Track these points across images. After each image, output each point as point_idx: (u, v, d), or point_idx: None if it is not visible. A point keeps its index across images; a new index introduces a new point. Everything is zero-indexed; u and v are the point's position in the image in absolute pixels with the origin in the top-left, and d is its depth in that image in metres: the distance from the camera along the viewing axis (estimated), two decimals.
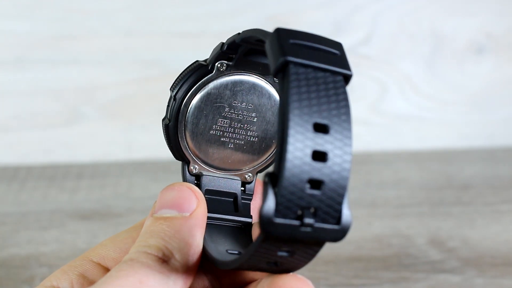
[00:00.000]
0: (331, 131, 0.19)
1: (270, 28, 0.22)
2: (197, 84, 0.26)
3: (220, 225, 0.26)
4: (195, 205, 0.24)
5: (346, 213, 0.20)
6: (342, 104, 0.20)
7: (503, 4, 0.63)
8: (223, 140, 0.27)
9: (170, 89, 0.26)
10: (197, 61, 0.26)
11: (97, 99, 0.60)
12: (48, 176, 0.57)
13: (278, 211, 0.19)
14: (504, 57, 0.65)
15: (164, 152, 0.69)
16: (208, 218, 0.25)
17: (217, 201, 0.27)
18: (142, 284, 0.21)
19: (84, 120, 0.60)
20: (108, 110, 0.60)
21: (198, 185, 0.27)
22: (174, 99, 0.26)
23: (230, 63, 0.26)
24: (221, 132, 0.27)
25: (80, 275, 0.25)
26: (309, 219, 0.19)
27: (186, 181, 0.27)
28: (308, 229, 0.19)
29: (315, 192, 0.19)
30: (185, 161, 0.27)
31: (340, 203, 0.20)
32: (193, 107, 0.26)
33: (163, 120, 0.26)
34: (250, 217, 0.27)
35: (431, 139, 0.65)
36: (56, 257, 0.43)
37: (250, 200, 0.28)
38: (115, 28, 0.59)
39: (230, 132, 0.27)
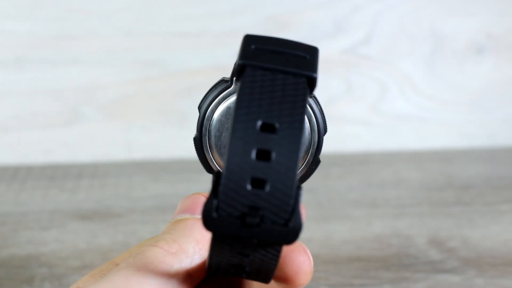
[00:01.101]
0: (279, 131, 0.19)
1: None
2: (218, 98, 0.26)
3: None
4: None
5: (297, 215, 0.19)
6: (297, 105, 0.19)
7: (503, 4, 0.63)
8: None
9: (198, 106, 0.26)
10: (222, 79, 0.26)
11: (97, 99, 0.60)
12: (48, 176, 0.57)
13: (218, 208, 0.19)
14: (504, 57, 0.65)
15: (164, 152, 0.69)
16: None
17: None
18: (140, 272, 0.22)
19: (84, 120, 0.60)
20: (108, 110, 0.60)
21: None
22: (199, 113, 0.26)
23: None
24: None
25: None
26: (252, 218, 0.19)
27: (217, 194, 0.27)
28: (253, 229, 0.19)
29: (259, 191, 0.19)
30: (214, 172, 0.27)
31: (287, 204, 0.19)
32: (214, 120, 0.26)
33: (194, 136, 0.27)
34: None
35: (431, 139, 0.65)
36: (56, 257, 0.43)
37: None
38: (115, 28, 0.59)
39: None
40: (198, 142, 0.26)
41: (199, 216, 0.24)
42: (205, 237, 0.23)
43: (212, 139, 0.26)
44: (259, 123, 0.19)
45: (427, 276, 0.42)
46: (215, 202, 0.19)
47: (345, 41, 0.62)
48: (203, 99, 0.26)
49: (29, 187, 0.55)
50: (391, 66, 0.63)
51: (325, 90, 0.62)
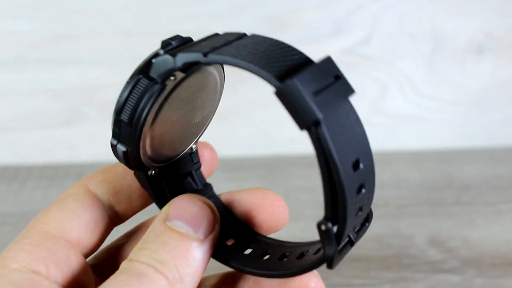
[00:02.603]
0: (362, 167, 0.22)
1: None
2: (153, 106, 0.23)
3: None
4: (212, 228, 0.23)
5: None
6: (360, 132, 0.23)
7: (503, 4, 0.63)
8: (172, 132, 0.26)
9: (118, 113, 0.23)
10: (137, 79, 0.24)
11: (97, 99, 0.60)
12: (48, 176, 0.57)
13: (337, 253, 0.22)
14: (504, 57, 0.65)
15: None
16: None
17: (182, 189, 0.27)
18: None
19: (84, 120, 0.60)
20: (108, 110, 0.60)
21: (160, 185, 0.26)
22: (130, 126, 0.23)
23: (182, 75, 0.24)
24: (172, 126, 0.25)
25: (50, 255, 0.23)
26: (349, 246, 0.24)
27: (146, 187, 0.26)
28: (348, 250, 0.24)
29: (355, 220, 0.23)
30: (142, 170, 0.26)
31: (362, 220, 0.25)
32: (153, 127, 0.24)
33: (116, 145, 0.24)
34: (205, 182, 0.28)
35: (431, 139, 0.65)
36: None
37: (199, 166, 0.28)
38: (115, 28, 0.59)
39: (179, 122, 0.26)
40: (135, 153, 0.24)
41: (202, 236, 0.23)
42: (204, 266, 0.23)
43: (147, 146, 0.24)
44: (352, 163, 0.21)
45: (427, 276, 0.42)
46: (335, 249, 0.22)
47: (345, 41, 0.62)
48: (127, 109, 0.23)
49: (29, 187, 0.55)
50: (391, 66, 0.63)
51: None
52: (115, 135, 0.24)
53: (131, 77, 0.24)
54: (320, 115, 0.20)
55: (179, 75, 0.24)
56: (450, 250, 0.45)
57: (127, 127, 0.23)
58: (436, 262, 0.43)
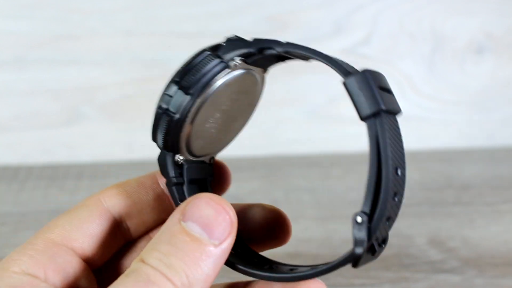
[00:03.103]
0: (400, 175, 0.22)
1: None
2: (216, 82, 0.24)
3: None
4: (227, 234, 0.22)
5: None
6: (402, 145, 0.23)
7: (503, 4, 0.63)
8: (210, 130, 0.26)
9: (178, 78, 0.24)
10: (204, 51, 0.25)
11: (97, 99, 0.60)
12: (48, 176, 0.57)
13: (368, 247, 0.22)
14: (504, 57, 0.65)
15: None
16: None
17: (197, 188, 0.27)
18: None
19: (84, 120, 0.60)
20: (108, 110, 0.60)
21: (181, 176, 0.26)
22: (187, 93, 0.24)
23: (247, 60, 0.25)
24: (212, 124, 0.26)
25: (50, 259, 0.23)
26: (378, 250, 0.24)
27: (168, 172, 0.26)
28: (375, 256, 0.24)
29: (386, 225, 0.23)
30: (173, 151, 0.26)
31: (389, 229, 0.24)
32: (206, 104, 0.25)
33: (161, 110, 0.24)
34: None
35: (431, 139, 0.65)
36: None
37: (211, 180, 0.28)
38: (115, 28, 0.59)
39: (218, 123, 0.26)
40: (180, 123, 0.24)
41: (217, 242, 0.22)
42: (216, 272, 0.22)
43: (197, 121, 0.25)
44: (395, 168, 0.22)
45: (427, 276, 0.42)
46: (366, 243, 0.22)
47: (345, 41, 0.62)
48: (191, 76, 0.24)
49: (29, 187, 0.55)
50: (391, 66, 0.63)
51: (325, 90, 0.62)
52: (165, 100, 0.24)
53: (198, 51, 0.25)
54: (383, 107, 0.21)
55: (242, 65, 0.25)
56: (450, 250, 0.45)
57: (182, 95, 0.24)
58: (436, 262, 0.43)
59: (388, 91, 0.23)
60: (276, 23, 0.60)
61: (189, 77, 0.24)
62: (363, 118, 0.22)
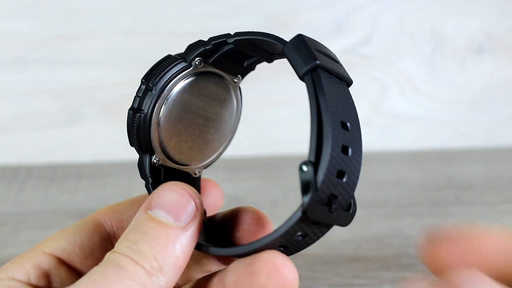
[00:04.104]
0: (351, 130, 0.22)
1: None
2: (176, 78, 0.26)
3: None
4: (192, 216, 0.23)
5: (354, 201, 0.23)
6: (353, 107, 0.22)
7: (503, 4, 0.63)
8: (186, 135, 0.27)
9: (144, 79, 0.26)
10: (169, 55, 0.27)
11: (97, 99, 0.60)
12: (48, 176, 0.57)
13: (317, 198, 0.21)
14: (504, 57, 0.65)
15: None
16: None
17: None
18: None
19: (84, 120, 0.60)
20: (108, 110, 0.60)
21: (159, 178, 0.27)
22: (151, 90, 0.26)
23: (207, 60, 0.27)
24: (187, 127, 0.27)
25: (34, 266, 0.25)
26: (335, 205, 0.21)
27: (146, 173, 0.27)
28: (334, 214, 0.22)
29: (340, 181, 0.21)
30: (148, 153, 0.27)
31: (353, 192, 0.22)
32: (170, 99, 0.26)
33: (132, 110, 0.26)
34: None
35: (431, 139, 0.65)
36: None
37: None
38: (115, 28, 0.59)
39: (194, 127, 0.28)
40: (148, 119, 0.26)
41: (183, 223, 0.23)
42: (186, 254, 0.23)
43: (162, 117, 0.26)
44: (340, 121, 0.21)
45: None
46: (314, 193, 0.21)
47: (345, 41, 0.62)
48: (155, 75, 0.26)
49: (29, 187, 0.55)
50: (391, 66, 0.63)
51: None
52: (135, 102, 0.26)
53: (165, 56, 0.27)
54: (319, 62, 0.22)
55: (203, 66, 0.27)
56: None
57: (147, 92, 0.26)
58: None
59: (332, 58, 0.23)
60: (276, 23, 0.60)
61: (152, 76, 0.26)
62: (301, 77, 0.22)
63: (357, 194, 0.57)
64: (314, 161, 0.21)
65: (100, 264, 0.22)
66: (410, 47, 0.63)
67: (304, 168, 0.21)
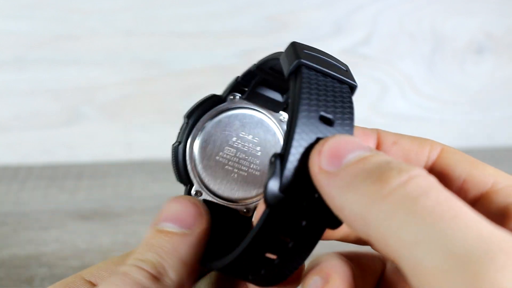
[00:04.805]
0: (335, 125, 0.21)
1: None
2: (210, 111, 0.27)
3: None
4: (196, 221, 0.24)
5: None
6: (346, 106, 0.21)
7: (503, 4, 0.63)
8: (227, 168, 0.27)
9: (184, 115, 0.27)
10: (214, 94, 0.28)
11: (97, 99, 0.60)
12: (48, 176, 0.57)
13: (283, 189, 0.20)
14: (504, 57, 0.65)
15: (164, 152, 0.69)
16: None
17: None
18: None
19: (84, 120, 0.60)
20: (108, 110, 0.60)
21: None
22: (187, 123, 0.27)
23: (243, 95, 0.27)
24: (227, 160, 0.27)
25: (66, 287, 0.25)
26: (310, 200, 0.20)
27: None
28: (308, 210, 0.20)
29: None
30: (189, 184, 0.27)
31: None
32: (204, 132, 0.27)
33: (173, 144, 0.27)
34: None
35: (431, 139, 0.65)
36: (56, 257, 0.43)
37: None
38: (115, 28, 0.59)
39: (234, 161, 0.28)
40: (182, 150, 0.27)
41: (187, 230, 0.23)
42: (191, 257, 0.23)
43: (198, 149, 0.27)
44: (319, 115, 0.21)
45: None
46: (278, 183, 0.20)
47: (345, 41, 0.62)
48: (192, 109, 0.27)
49: (29, 187, 0.55)
50: (391, 66, 0.63)
51: None
52: (178, 136, 0.27)
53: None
54: (303, 61, 0.21)
55: (238, 101, 0.27)
56: None
57: (184, 124, 0.27)
58: None
59: (329, 60, 0.23)
60: (276, 23, 0.60)
61: (191, 110, 0.27)
62: (287, 79, 0.22)
63: None
64: (283, 153, 0.20)
65: (109, 275, 0.23)
66: (410, 47, 0.63)
67: (272, 159, 0.20)
